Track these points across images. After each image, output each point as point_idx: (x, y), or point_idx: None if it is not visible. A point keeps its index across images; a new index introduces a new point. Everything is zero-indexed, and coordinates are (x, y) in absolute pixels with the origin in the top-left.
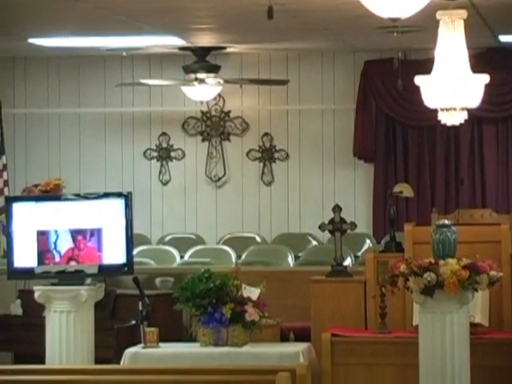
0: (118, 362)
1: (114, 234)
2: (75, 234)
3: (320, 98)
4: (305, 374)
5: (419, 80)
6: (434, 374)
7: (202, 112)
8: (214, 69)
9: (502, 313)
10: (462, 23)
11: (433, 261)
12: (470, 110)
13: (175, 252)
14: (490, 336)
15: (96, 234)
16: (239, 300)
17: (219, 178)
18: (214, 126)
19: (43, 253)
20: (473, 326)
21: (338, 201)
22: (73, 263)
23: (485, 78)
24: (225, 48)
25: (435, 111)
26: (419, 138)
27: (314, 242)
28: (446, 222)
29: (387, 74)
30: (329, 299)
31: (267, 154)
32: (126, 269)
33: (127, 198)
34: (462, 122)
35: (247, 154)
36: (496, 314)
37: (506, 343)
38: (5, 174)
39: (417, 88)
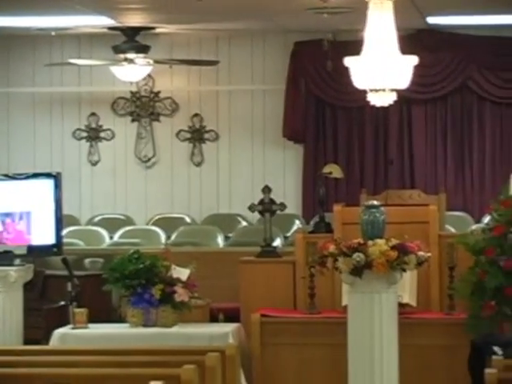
0: (47, 343)
1: (43, 215)
2: (4, 217)
3: (250, 78)
4: (234, 355)
5: (348, 61)
6: (362, 353)
7: (131, 92)
8: (143, 49)
9: (430, 293)
10: (390, 4)
11: (362, 241)
12: (399, 91)
13: (105, 233)
14: (417, 316)
15: (25, 216)
16: (169, 281)
17: (149, 159)
18: (143, 107)
19: None
20: (401, 305)
21: (268, 182)
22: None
23: (414, 60)
24: (154, 28)
25: (364, 92)
26: (348, 119)
27: (244, 223)
28: (375, 202)
29: (317, 55)
30: (258, 280)
31: (197, 135)
32: (55, 250)
33: (56, 178)
34: (391, 103)
35: (177, 135)
36: (424, 294)
37: (433, 323)
38: None
39: (346, 69)
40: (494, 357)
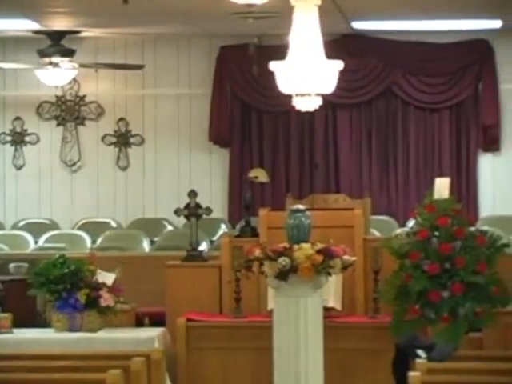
0: None
1: None
2: None
3: (176, 82)
4: (159, 359)
5: (274, 66)
6: (287, 357)
7: (56, 96)
8: (68, 53)
9: (355, 296)
10: (316, 9)
11: (287, 245)
12: (324, 96)
13: (29, 237)
14: (342, 319)
15: None
16: (94, 285)
17: (74, 163)
18: (68, 111)
19: None
20: (326, 309)
21: (194, 186)
22: None
23: (339, 65)
24: (80, 32)
25: (290, 97)
26: (274, 124)
27: (170, 227)
28: (300, 206)
29: (243, 60)
30: (184, 284)
31: (123, 139)
32: None
33: None
34: (317, 107)
35: (102, 139)
36: (349, 298)
37: (357, 326)
38: None
39: (272, 74)
40: (417, 360)
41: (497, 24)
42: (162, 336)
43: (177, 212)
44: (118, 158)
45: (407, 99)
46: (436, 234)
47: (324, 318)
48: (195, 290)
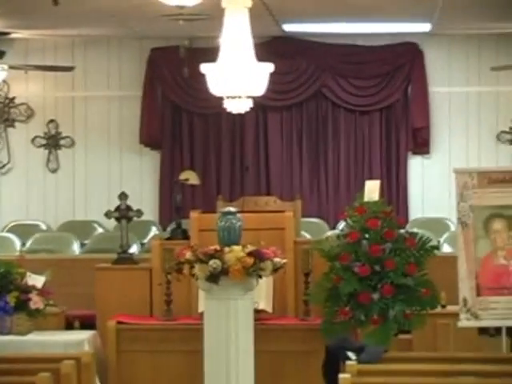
0: None
1: None
2: None
3: (106, 84)
4: (90, 362)
5: (205, 68)
6: (218, 359)
7: None
8: None
9: (286, 299)
10: (246, 12)
11: (218, 248)
12: (255, 98)
13: None
14: (273, 322)
15: None
16: (23, 288)
17: (4, 165)
18: None
19: None
20: (257, 312)
21: (125, 188)
22: None
23: (270, 67)
24: (9, 33)
25: (221, 99)
26: (205, 126)
27: (100, 230)
28: (231, 209)
29: (173, 62)
30: (114, 287)
31: (52, 141)
32: None
33: None
34: (248, 109)
35: (32, 141)
36: (280, 300)
37: (288, 328)
38: None
39: (202, 76)
40: (347, 362)
41: (426, 27)
42: (92, 339)
43: (107, 214)
44: (48, 160)
45: (337, 101)
46: (366, 236)
47: (255, 321)
48: (125, 293)
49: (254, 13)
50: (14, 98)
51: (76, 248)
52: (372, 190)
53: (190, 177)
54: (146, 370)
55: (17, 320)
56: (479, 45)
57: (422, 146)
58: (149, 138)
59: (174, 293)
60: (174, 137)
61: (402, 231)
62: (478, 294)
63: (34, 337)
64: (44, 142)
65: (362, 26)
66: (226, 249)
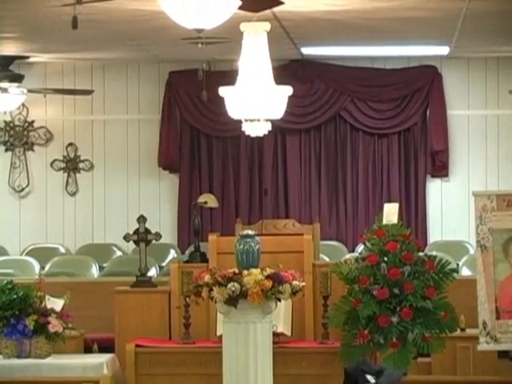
0: None
1: None
2: None
3: (125, 108)
4: None
5: (223, 91)
6: (237, 382)
7: (5, 122)
8: (17, 78)
9: (304, 322)
10: (265, 35)
11: (237, 271)
12: (273, 121)
13: None
14: (292, 345)
15: None
16: (42, 311)
17: (23, 189)
18: (17, 136)
19: None
20: (275, 335)
21: (143, 211)
22: None
23: (288, 90)
24: (28, 57)
25: (239, 122)
26: (224, 149)
27: (119, 253)
28: (250, 232)
29: (192, 85)
30: (133, 310)
31: (71, 164)
32: None
33: None
34: (266, 132)
35: (51, 164)
36: (298, 324)
37: (307, 352)
38: None
39: (221, 99)
40: None
41: (444, 50)
42: (111, 362)
43: (126, 237)
44: (67, 183)
45: (356, 125)
46: (385, 259)
47: (273, 344)
48: (144, 316)
49: (272, 36)
50: (33, 122)
51: (95, 271)
52: (391, 212)
53: (209, 200)
54: None
55: (36, 343)
56: (498, 67)
57: (440, 169)
58: (167, 162)
59: (193, 316)
60: (193, 160)
61: (421, 254)
62: (498, 318)
63: (52, 360)
64: (63, 165)
65: (380, 49)
66: (245, 272)
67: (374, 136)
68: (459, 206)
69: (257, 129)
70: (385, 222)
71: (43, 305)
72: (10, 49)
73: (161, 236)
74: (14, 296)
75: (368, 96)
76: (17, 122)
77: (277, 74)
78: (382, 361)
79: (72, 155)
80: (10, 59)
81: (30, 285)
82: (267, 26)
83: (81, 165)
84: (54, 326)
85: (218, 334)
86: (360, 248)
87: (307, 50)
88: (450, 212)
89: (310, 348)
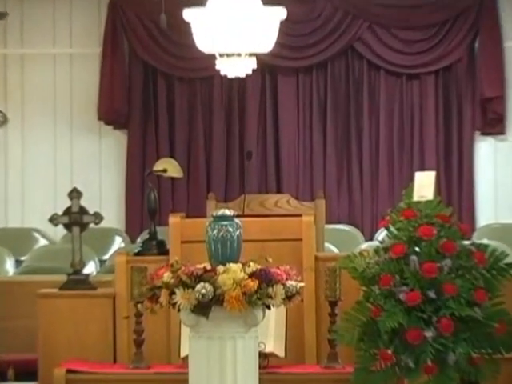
0: None
1: None
2: None
3: (51, 38)
4: None
5: (189, 15)
6: None
7: None
8: None
9: (303, 338)
10: None
11: (209, 267)
12: (259, 57)
13: None
14: (286, 370)
15: None
16: None
17: None
18: None
19: None
20: (263, 356)
21: (77, 183)
22: None
23: (281, 12)
24: None
25: (212, 58)
26: (191, 96)
27: (43, 241)
28: (227, 212)
29: (145, 6)
30: (64, 320)
31: None
32: None
33: None
34: (249, 72)
35: None
36: (295, 340)
37: (307, 379)
38: None
39: (187, 25)
40: None
41: None
42: None
43: (53, 219)
44: None
45: (375, 61)
46: (416, 249)
47: (260, 369)
48: (79, 330)
49: None
50: None
51: (10, 267)
52: (424, 184)
53: (169, 167)
54: None
55: None
56: None
57: (494, 124)
58: (111, 113)
59: (147, 330)
60: (147, 111)
61: (467, 243)
62: None
63: None
64: None
65: None
66: (220, 268)
67: (401, 77)
68: None
69: (236, 67)
70: (416, 197)
71: None
72: None
73: (102, 217)
74: None
75: (392, 21)
76: None
77: None
78: None
79: None
80: None
81: None
82: None
83: None
84: None
85: (182, 355)
86: (381, 235)
87: None
88: (508, 184)
89: (312, 374)
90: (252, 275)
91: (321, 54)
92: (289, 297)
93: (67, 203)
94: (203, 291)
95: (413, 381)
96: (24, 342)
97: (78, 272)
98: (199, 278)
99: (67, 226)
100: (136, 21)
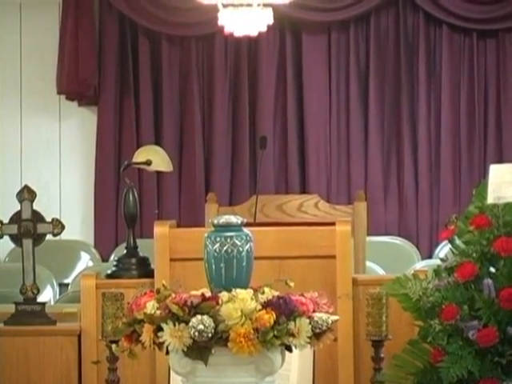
0: None
1: None
2: None
3: None
4: None
5: None
6: None
7: None
8: None
9: None
10: None
11: (208, 293)
12: (277, 8)
13: None
14: None
15: None
16: None
17: None
18: None
19: None
20: None
21: (30, 179)
22: None
23: None
24: None
25: (214, 10)
26: (184, 61)
27: None
28: (233, 219)
29: None
30: (11, 366)
31: None
32: None
33: None
34: (264, 29)
35: None
36: None
37: None
38: None
39: None
40: None
41: None
42: None
43: None
44: None
45: (435, 13)
46: (491, 270)
47: None
48: (32, 378)
49: None
50: None
51: None
52: (503, 182)
53: (154, 158)
54: None
55: None
56: None
57: None
58: (75, 84)
59: (124, 379)
60: (124, 82)
61: None
62: None
63: None
64: None
65: None
66: (224, 295)
67: (471, 35)
68: None
69: (246, 22)
70: (491, 199)
71: None
72: None
73: (63, 226)
74: None
75: None
76: None
77: None
78: None
79: None
80: None
81: None
82: None
83: None
84: None
85: None
86: (443, 250)
87: None
88: None
89: None
90: (267, 305)
91: (361, 4)
92: (317, 334)
93: (16, 207)
94: (200, 327)
95: None
96: None
97: (30, 300)
98: (195, 309)
99: (15, 239)
100: None
